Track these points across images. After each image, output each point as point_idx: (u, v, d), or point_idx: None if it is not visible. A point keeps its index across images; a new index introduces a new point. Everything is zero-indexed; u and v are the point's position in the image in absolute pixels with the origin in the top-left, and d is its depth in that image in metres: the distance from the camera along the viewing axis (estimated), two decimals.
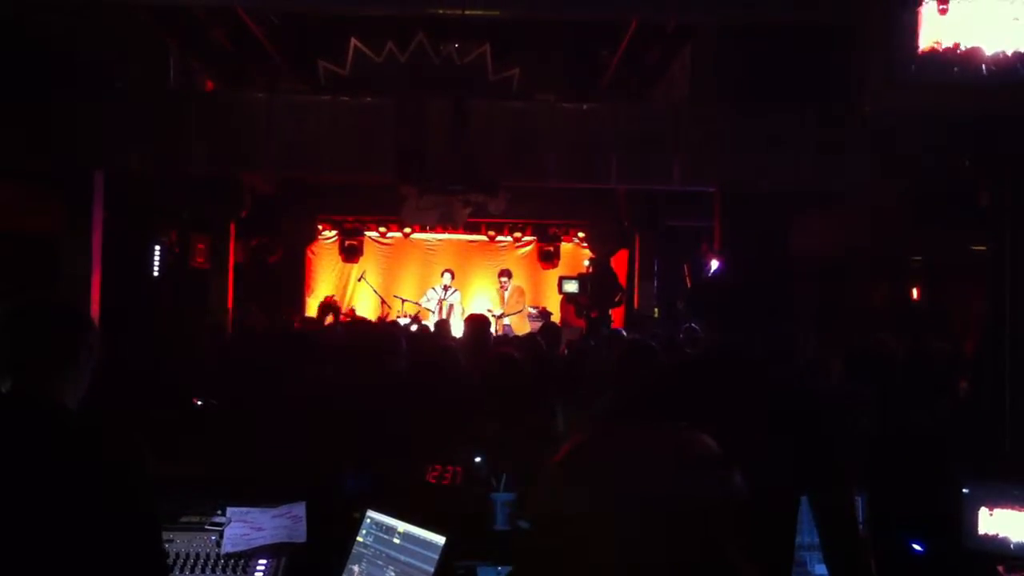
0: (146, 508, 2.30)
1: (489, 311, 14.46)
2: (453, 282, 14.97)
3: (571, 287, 13.62)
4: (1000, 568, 3.63)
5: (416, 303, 14.74)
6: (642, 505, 1.14)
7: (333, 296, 15.41)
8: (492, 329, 10.43)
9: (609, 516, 1.14)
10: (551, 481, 1.22)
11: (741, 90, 10.05)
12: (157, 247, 11.82)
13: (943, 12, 6.42)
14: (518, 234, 16.31)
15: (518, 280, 15.51)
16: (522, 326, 14.20)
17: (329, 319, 14.01)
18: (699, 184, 10.50)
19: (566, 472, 1.21)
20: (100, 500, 2.20)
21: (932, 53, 6.38)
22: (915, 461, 4.04)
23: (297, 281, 15.81)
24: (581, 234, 16.02)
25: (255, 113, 10.16)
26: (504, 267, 15.55)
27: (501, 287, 15.14)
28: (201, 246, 13.19)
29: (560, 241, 16.41)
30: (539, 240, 16.41)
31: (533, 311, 14.78)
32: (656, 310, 13.96)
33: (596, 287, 13.08)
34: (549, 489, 1.22)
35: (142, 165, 9.84)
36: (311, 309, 15.26)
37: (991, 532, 3.73)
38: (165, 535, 2.71)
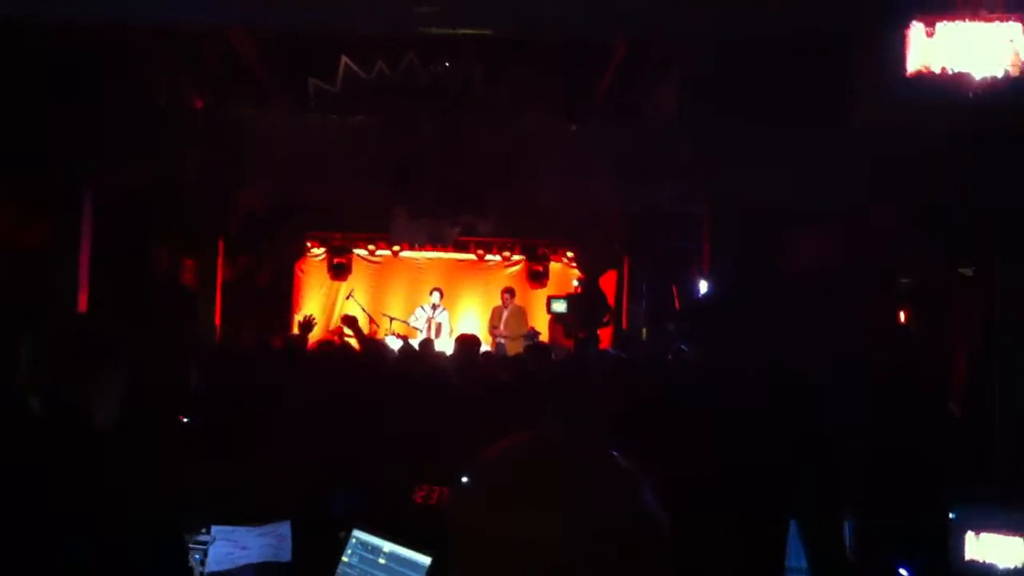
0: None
1: (494, 328, 14.38)
2: (442, 301, 14.93)
3: (559, 307, 13.56)
4: None
5: (404, 322, 14.67)
6: (564, 530, 1.13)
7: (312, 316, 15.29)
8: (486, 346, 10.32)
9: (532, 541, 1.13)
10: (471, 502, 1.21)
11: (733, 108, 10.06)
12: (145, 265, 11.77)
13: (930, 35, 6.48)
14: (507, 253, 16.23)
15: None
16: (516, 347, 14.07)
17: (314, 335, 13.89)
18: (691, 203, 10.50)
19: (485, 493, 1.20)
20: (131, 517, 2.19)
21: (920, 76, 6.44)
22: (903, 485, 4.04)
23: (285, 299, 15.74)
24: (570, 254, 15.97)
25: (244, 131, 10.13)
26: (507, 285, 15.30)
27: (503, 304, 14.91)
28: (189, 263, 13.15)
29: (549, 261, 16.31)
30: (528, 259, 16.32)
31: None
32: (644, 331, 13.93)
33: (584, 307, 13.05)
34: (470, 510, 1.21)
35: (131, 182, 9.80)
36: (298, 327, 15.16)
37: (978, 557, 3.73)
38: None
